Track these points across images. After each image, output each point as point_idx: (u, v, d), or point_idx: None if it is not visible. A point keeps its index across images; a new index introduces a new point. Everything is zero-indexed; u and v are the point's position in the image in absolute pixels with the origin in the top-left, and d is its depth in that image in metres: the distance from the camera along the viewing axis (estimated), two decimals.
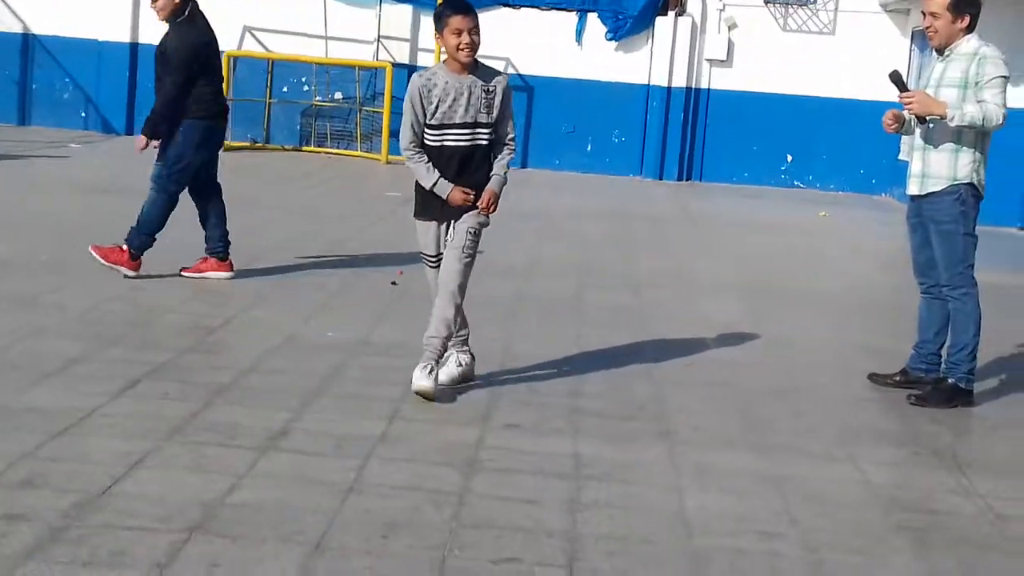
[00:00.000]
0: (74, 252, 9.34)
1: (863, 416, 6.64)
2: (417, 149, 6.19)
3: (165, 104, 8.71)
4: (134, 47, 20.58)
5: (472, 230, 6.21)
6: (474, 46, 6.07)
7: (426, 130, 6.16)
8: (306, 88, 20.55)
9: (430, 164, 6.17)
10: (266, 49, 20.53)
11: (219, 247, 9.00)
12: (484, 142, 6.21)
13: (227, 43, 19.73)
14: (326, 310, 8.19)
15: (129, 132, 20.54)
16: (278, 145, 20.46)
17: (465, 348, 6.53)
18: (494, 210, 6.25)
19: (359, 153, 19.94)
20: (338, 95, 20.37)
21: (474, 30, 6.06)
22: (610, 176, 19.93)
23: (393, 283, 9.13)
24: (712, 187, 19.61)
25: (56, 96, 20.80)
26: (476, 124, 6.16)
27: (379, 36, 20.27)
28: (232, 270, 9.01)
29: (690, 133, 20.35)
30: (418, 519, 4.58)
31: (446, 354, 6.37)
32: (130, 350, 6.76)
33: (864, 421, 6.53)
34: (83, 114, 20.81)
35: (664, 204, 16.82)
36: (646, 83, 20.34)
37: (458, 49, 6.06)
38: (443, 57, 6.49)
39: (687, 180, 20.28)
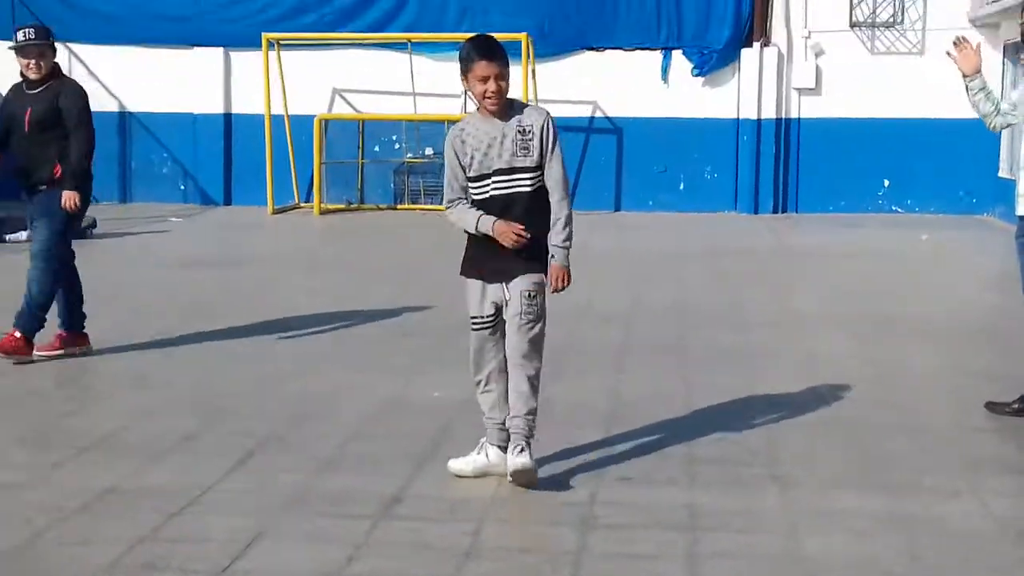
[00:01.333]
0: (180, 327, 9.52)
1: (984, 447, 6.49)
2: (456, 202, 5.70)
3: (87, 157, 8.40)
4: (228, 118, 20.98)
5: (527, 292, 5.60)
6: (501, 93, 5.52)
7: (469, 185, 5.67)
8: (397, 146, 20.76)
9: (468, 206, 5.66)
10: (355, 110, 20.80)
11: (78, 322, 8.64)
12: (527, 188, 5.59)
13: (317, 106, 20.20)
14: (428, 370, 8.21)
15: (227, 202, 20.93)
16: (373, 204, 20.67)
17: (497, 441, 5.76)
18: (566, 285, 5.66)
19: None
20: (429, 151, 20.53)
21: (500, 75, 5.51)
22: (705, 213, 19.83)
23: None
24: (809, 218, 19.43)
25: (155, 171, 21.26)
26: (513, 170, 5.57)
27: (466, 89, 20.35)
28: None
29: (783, 165, 20.21)
30: None
31: (481, 440, 5.83)
32: (242, 422, 6.83)
33: (985, 452, 6.39)
34: (182, 187, 21.23)
35: (761, 238, 16.69)
36: (735, 117, 20.26)
37: (484, 97, 5.53)
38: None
39: (783, 212, 20.12)
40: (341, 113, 20.72)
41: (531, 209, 5.62)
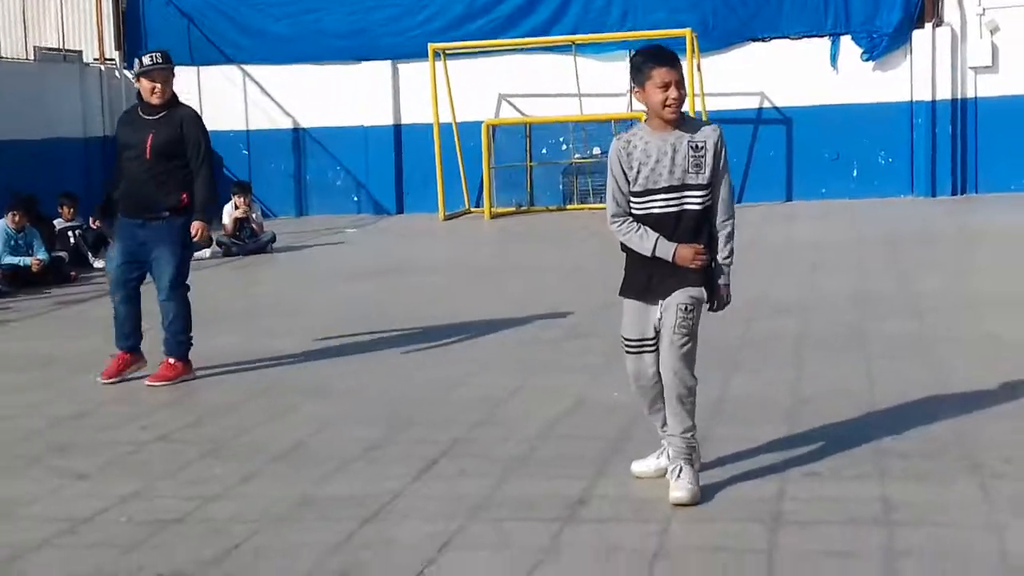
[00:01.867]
0: (359, 336, 9.70)
1: None
2: (623, 218, 5.51)
3: (216, 188, 8.51)
4: (397, 129, 21.32)
5: (684, 305, 5.38)
6: (681, 100, 5.35)
7: (631, 198, 5.48)
8: (564, 147, 20.82)
9: (643, 229, 5.45)
10: (522, 114, 20.92)
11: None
12: (696, 206, 5.41)
13: (484, 112, 20.38)
14: (608, 371, 8.19)
15: (400, 211, 21.26)
16: (543, 206, 20.75)
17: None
18: (728, 303, 5.58)
19: None
20: (596, 150, 20.53)
21: (680, 82, 5.35)
22: (880, 199, 19.44)
23: None
24: (990, 198, 18.89)
25: (329, 184, 21.73)
26: (684, 186, 5.39)
27: (631, 87, 20.32)
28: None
29: (960, 145, 19.71)
30: None
31: (663, 442, 5.67)
32: (425, 429, 6.91)
33: None
34: (355, 199, 21.64)
35: (940, 222, 16.28)
36: (908, 100, 19.85)
37: (664, 105, 5.34)
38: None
39: (962, 194, 19.61)
40: (508, 118, 20.89)
41: (699, 228, 5.45)
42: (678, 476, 5.43)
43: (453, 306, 11.23)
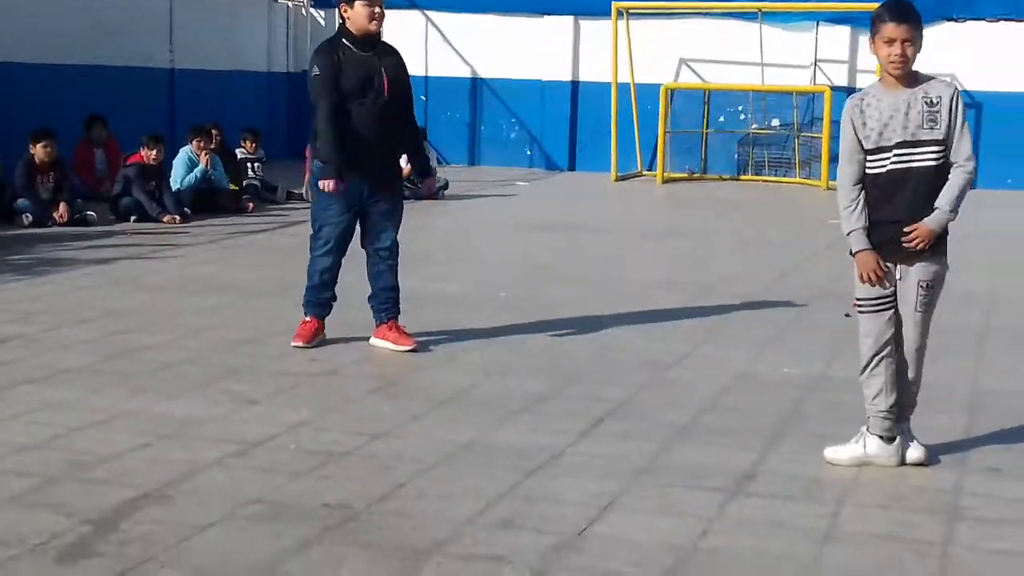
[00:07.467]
0: (529, 288, 9.67)
1: None
2: (855, 188, 5.40)
3: None
4: (575, 85, 21.20)
5: (925, 283, 5.39)
6: (905, 57, 5.24)
7: (867, 159, 5.39)
8: (743, 116, 20.47)
9: (858, 208, 5.39)
10: (702, 79, 20.64)
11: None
12: (931, 162, 5.29)
13: (664, 75, 20.14)
14: (778, 344, 8.04)
15: (571, 168, 21.18)
16: (716, 174, 20.48)
17: (879, 431, 5.52)
18: (924, 246, 5.30)
19: (798, 180, 19.65)
20: (775, 122, 20.17)
21: (909, 41, 5.23)
22: None
23: (847, 315, 8.84)
24: None
25: (503, 136, 21.73)
26: (918, 142, 5.29)
27: (816, 59, 19.95)
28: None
29: None
30: (901, 572, 4.36)
31: (862, 428, 5.57)
32: (591, 387, 6.85)
33: None
34: (528, 152, 21.62)
35: None
36: None
37: (888, 61, 5.27)
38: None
39: None
40: (687, 83, 20.61)
41: (933, 187, 5.31)
42: (887, 442, 5.50)
43: (621, 267, 11.14)
